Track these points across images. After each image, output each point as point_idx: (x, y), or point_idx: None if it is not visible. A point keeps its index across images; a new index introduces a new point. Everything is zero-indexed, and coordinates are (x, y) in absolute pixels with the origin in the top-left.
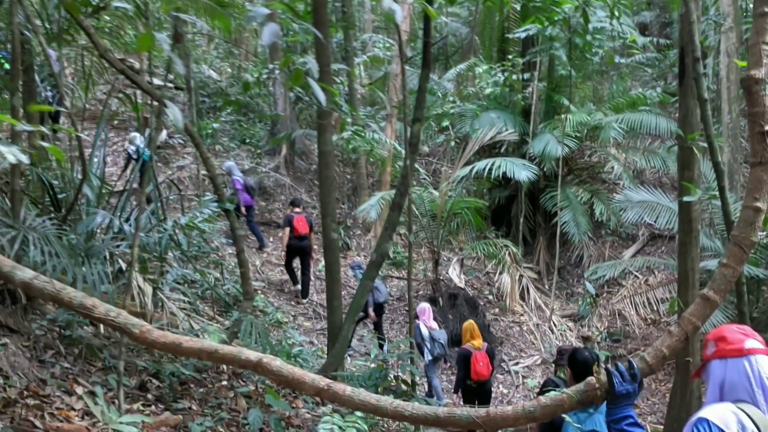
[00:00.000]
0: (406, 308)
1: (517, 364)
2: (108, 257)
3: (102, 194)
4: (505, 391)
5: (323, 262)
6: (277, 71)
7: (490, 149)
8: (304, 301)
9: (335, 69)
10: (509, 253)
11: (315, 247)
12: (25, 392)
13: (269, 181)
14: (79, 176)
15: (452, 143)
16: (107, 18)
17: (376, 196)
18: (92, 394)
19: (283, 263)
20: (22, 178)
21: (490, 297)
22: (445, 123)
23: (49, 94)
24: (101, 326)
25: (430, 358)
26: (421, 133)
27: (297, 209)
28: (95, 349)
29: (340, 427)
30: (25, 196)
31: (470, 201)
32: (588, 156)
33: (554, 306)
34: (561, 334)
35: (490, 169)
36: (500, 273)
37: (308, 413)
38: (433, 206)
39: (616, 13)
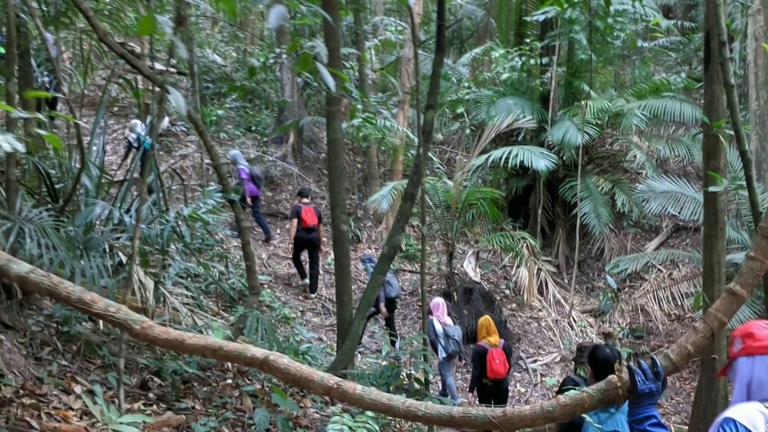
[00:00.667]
0: (419, 303)
1: (535, 361)
2: (107, 250)
3: (101, 184)
4: (522, 389)
5: (332, 255)
6: (284, 56)
7: (507, 137)
8: (313, 296)
9: (345, 53)
10: (527, 246)
11: (324, 239)
12: (21, 391)
13: (276, 170)
14: (78, 165)
15: (467, 131)
16: (107, 0)
17: (388, 186)
18: (91, 393)
19: (291, 256)
20: (17, 168)
21: (507, 291)
22: (460, 110)
23: (46, 79)
24: (100, 322)
25: (444, 355)
26: (435, 121)
27: (305, 200)
28: (94, 346)
29: (350, 428)
30: (20, 186)
31: (486, 191)
32: (609, 144)
33: (574, 301)
34: (581, 330)
35: (507, 158)
36: (517, 266)
37: (317, 413)
38: (448, 197)
39: None
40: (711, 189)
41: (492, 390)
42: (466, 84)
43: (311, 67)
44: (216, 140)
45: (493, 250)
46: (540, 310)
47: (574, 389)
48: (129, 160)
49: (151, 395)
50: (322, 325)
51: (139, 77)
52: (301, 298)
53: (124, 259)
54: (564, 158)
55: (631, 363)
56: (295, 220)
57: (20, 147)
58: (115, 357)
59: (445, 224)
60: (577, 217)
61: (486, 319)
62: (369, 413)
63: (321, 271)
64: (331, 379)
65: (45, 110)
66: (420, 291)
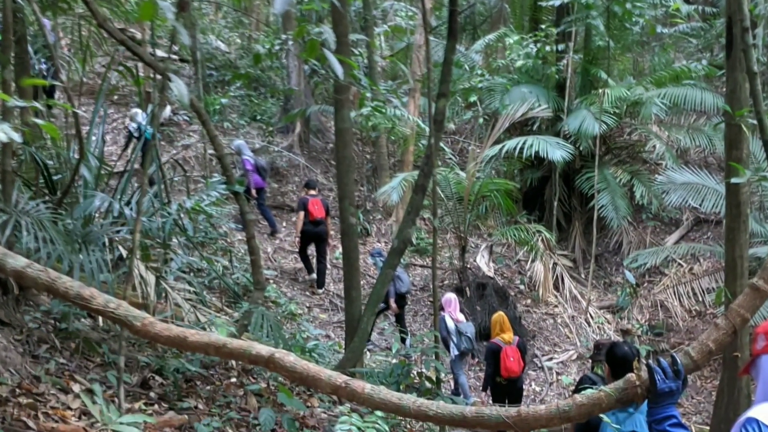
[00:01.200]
0: (431, 299)
1: (550, 359)
2: (107, 244)
3: (101, 175)
4: (537, 388)
5: (340, 249)
6: (290, 42)
7: (522, 127)
8: (320, 291)
9: (353, 39)
10: (542, 240)
11: (332, 232)
12: (18, 390)
13: (282, 161)
14: (76, 156)
15: (480, 120)
16: None
17: (398, 177)
18: (90, 392)
19: (297, 250)
20: (14, 158)
21: (522, 287)
22: (473, 98)
23: (44, 66)
24: (100, 319)
25: (456, 353)
26: (447, 110)
27: (312, 192)
28: (93, 344)
29: (358, 428)
30: (17, 177)
31: (500, 183)
32: (628, 134)
33: (591, 297)
34: (598, 327)
35: (522, 148)
36: (532, 261)
37: (324, 413)
38: (460, 188)
39: None
40: (733, 180)
41: (506, 389)
42: (479, 71)
43: (318, 54)
44: (219, 130)
45: (507, 244)
46: (556, 306)
47: (591, 388)
48: (129, 151)
49: (152, 394)
50: (329, 321)
51: (140, 64)
52: (308, 293)
53: (124, 253)
54: (581, 148)
55: (651, 361)
56: (302, 213)
57: (17, 137)
58: (115, 355)
59: (458, 217)
60: (595, 209)
61: (500, 315)
62: (378, 413)
63: (329, 266)
64: (339, 378)
65: (42, 99)
66: (431, 286)
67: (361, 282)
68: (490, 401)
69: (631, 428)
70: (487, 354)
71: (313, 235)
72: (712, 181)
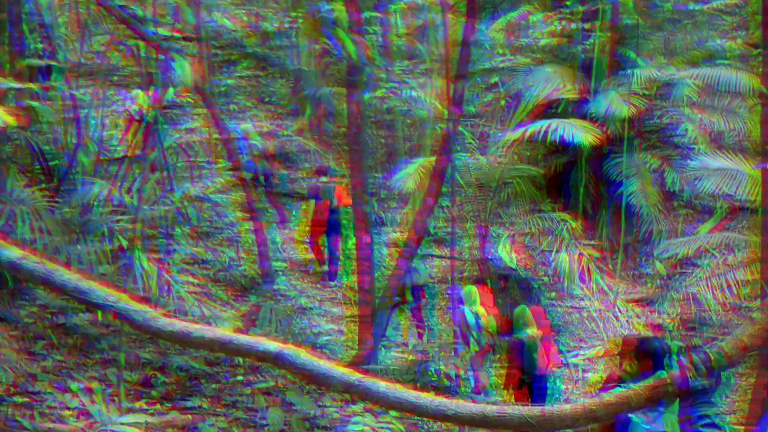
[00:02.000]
0: (449, 292)
1: (576, 355)
2: (107, 234)
3: (100, 161)
4: (562, 386)
5: (353, 240)
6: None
7: (546, 109)
8: (332, 283)
9: (367, 17)
10: (568, 229)
11: (344, 221)
12: (13, 389)
13: (292, 146)
14: (74, 141)
15: (502, 102)
16: None
17: (415, 163)
18: (89, 390)
19: (308, 240)
20: (8, 143)
21: (546, 279)
22: (494, 79)
23: (40, 46)
24: (99, 313)
25: (476, 349)
26: (466, 91)
27: (324, 178)
28: (93, 340)
29: (372, 429)
30: (12, 163)
31: (523, 169)
32: (658, 117)
33: (619, 289)
34: (627, 321)
35: (546, 132)
36: (557, 251)
37: (336, 413)
38: (480, 175)
39: None
40: None
41: (529, 387)
42: (501, 51)
43: (330, 33)
44: (225, 113)
45: (531, 233)
46: (582, 299)
47: (620, 386)
48: (130, 136)
49: (154, 393)
50: (342, 316)
51: (142, 44)
52: (319, 286)
53: (125, 243)
54: (609, 132)
55: (682, 357)
56: (313, 201)
57: (11, 120)
58: (116, 351)
59: (478, 205)
60: (623, 196)
61: (523, 309)
62: (394, 413)
63: (341, 257)
64: (353, 376)
65: (39, 80)
66: (450, 278)
67: (376, 274)
68: (513, 400)
69: (662, 428)
70: (510, 350)
71: (324, 224)
72: (748, 167)
